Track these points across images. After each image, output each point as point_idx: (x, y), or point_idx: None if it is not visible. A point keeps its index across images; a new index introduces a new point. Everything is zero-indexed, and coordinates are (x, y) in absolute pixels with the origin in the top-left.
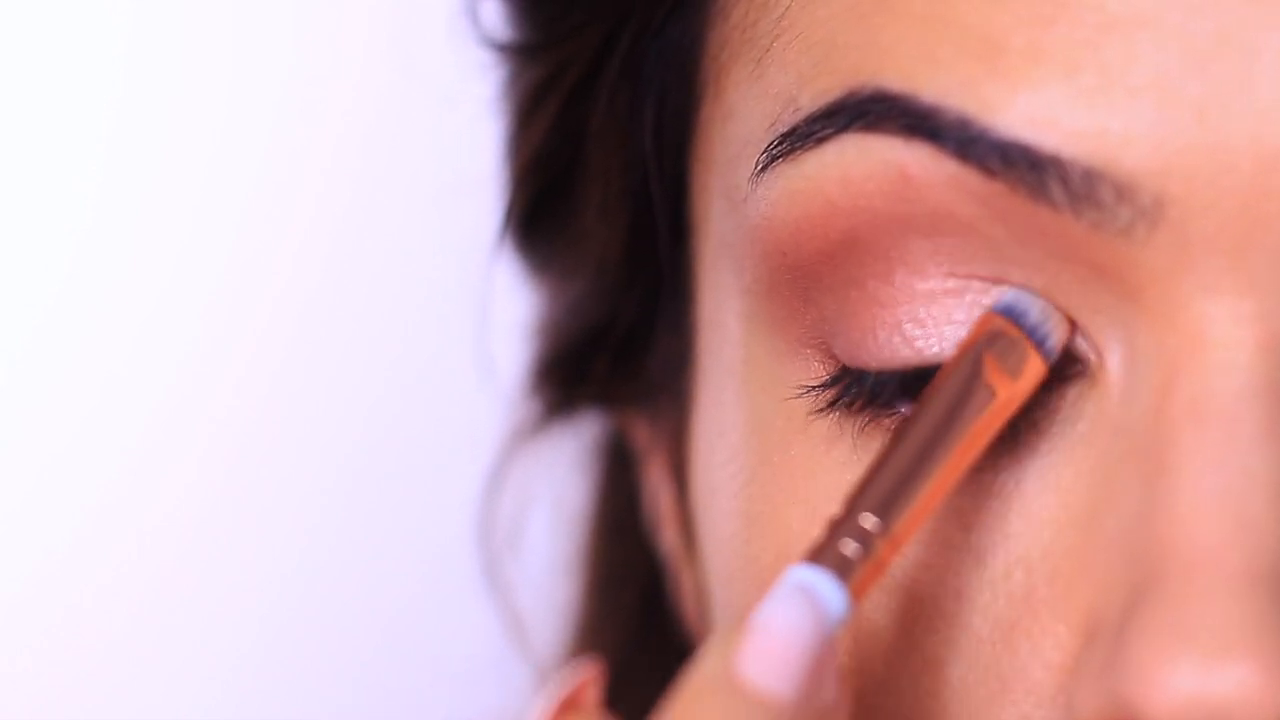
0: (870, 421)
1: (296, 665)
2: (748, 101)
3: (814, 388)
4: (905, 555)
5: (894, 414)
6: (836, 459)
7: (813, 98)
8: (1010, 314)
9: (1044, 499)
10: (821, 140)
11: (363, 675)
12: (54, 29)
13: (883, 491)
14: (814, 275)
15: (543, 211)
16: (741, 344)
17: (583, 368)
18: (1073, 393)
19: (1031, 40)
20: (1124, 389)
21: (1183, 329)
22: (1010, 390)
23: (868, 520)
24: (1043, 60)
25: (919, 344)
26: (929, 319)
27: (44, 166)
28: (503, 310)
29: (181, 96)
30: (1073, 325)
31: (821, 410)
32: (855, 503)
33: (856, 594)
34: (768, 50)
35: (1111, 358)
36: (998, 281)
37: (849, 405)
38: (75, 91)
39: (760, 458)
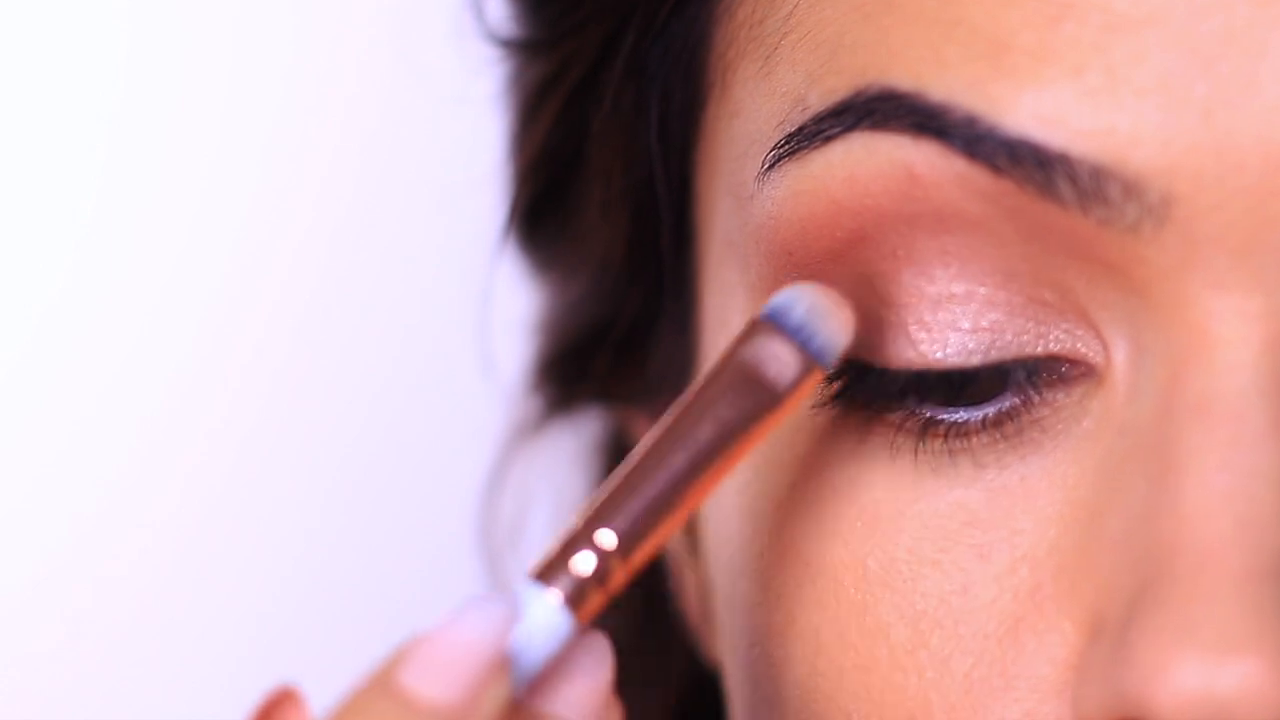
0: (874, 417)
1: (298, 662)
2: (755, 100)
3: (819, 383)
4: (911, 552)
5: (898, 410)
6: (840, 454)
7: (821, 97)
8: (774, 317)
9: (1050, 496)
10: (828, 139)
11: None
12: (54, 29)
13: (626, 509)
14: (821, 274)
15: (546, 208)
16: None
17: (585, 365)
18: (1079, 390)
19: (1038, 40)
20: (1130, 386)
21: (1189, 326)
22: (774, 404)
23: (605, 538)
24: (1050, 59)
25: (923, 348)
26: (934, 324)
27: (44, 166)
28: (505, 307)
29: (184, 95)
30: (860, 320)
31: (825, 406)
32: (594, 517)
33: (584, 616)
34: (775, 48)
35: (1118, 355)
36: (1005, 284)
37: (853, 401)
38: (76, 89)
39: (763, 455)
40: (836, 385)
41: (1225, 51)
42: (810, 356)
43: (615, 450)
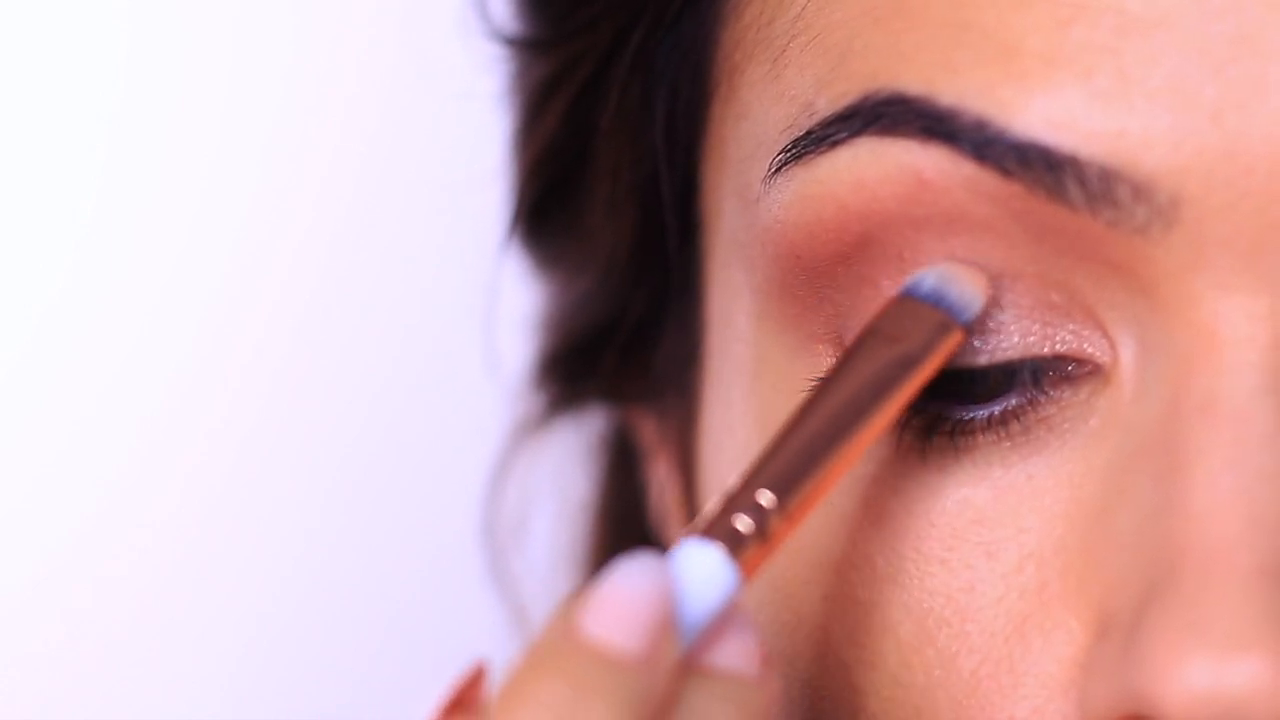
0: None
1: (301, 658)
2: (763, 102)
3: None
4: (917, 550)
5: (906, 409)
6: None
7: (829, 101)
8: (908, 290)
9: (1057, 494)
10: (835, 144)
11: (367, 668)
12: (54, 29)
13: (781, 468)
14: (828, 275)
15: (551, 207)
16: (752, 341)
17: (589, 363)
18: (1086, 389)
19: (1048, 43)
20: (1137, 386)
21: (1196, 327)
22: (920, 357)
23: (764, 496)
24: (1060, 63)
25: None
26: None
27: (44, 166)
28: (509, 304)
29: (184, 95)
30: (991, 285)
31: None
32: (751, 478)
33: (747, 570)
34: (784, 51)
35: (1125, 354)
36: (1012, 285)
37: None
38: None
39: None
40: None
41: (1236, 54)
42: (944, 312)
43: (619, 448)
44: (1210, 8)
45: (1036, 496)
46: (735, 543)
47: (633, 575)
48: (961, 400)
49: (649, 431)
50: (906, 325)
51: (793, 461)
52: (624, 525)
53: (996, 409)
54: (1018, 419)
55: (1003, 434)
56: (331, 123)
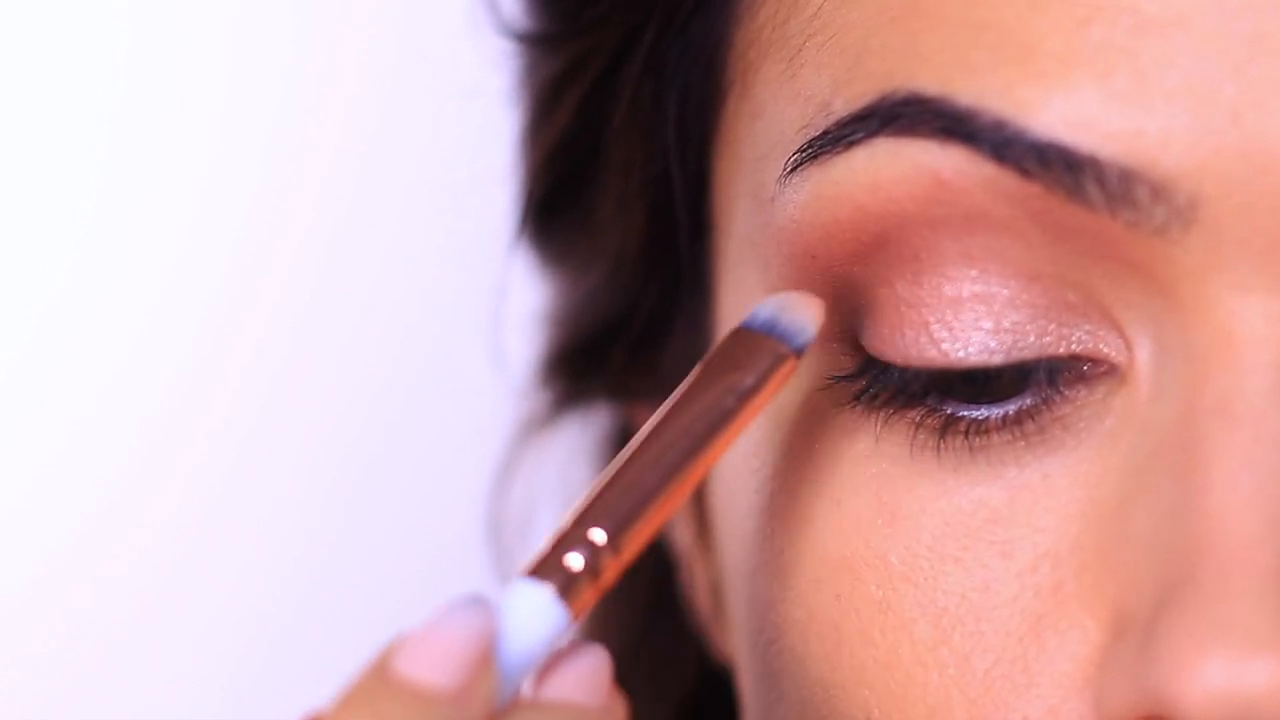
0: (894, 414)
1: (301, 658)
2: (778, 102)
3: (841, 378)
4: (932, 549)
5: (919, 407)
6: (860, 452)
7: (846, 102)
8: (749, 324)
9: (1072, 493)
10: (851, 144)
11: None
12: (54, 29)
13: (613, 504)
14: (843, 275)
15: (561, 203)
16: None
17: (596, 360)
18: (1102, 389)
19: (1066, 43)
20: (1153, 385)
21: (1213, 327)
22: (754, 387)
23: (596, 534)
24: (1078, 63)
25: (945, 346)
26: (956, 323)
27: (44, 166)
28: (516, 301)
29: (184, 91)
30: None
31: (846, 403)
32: (584, 515)
33: (579, 608)
34: (800, 50)
35: (1141, 354)
36: (1029, 286)
37: (874, 397)
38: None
39: (781, 452)
40: (859, 384)
41: (1254, 54)
42: (777, 341)
43: (624, 445)
44: (1228, 7)
45: (1052, 496)
46: (566, 580)
47: (452, 617)
48: (977, 400)
49: None
50: (739, 356)
51: (625, 498)
52: None
53: (1012, 408)
54: (1033, 419)
55: (1018, 433)
56: (338, 119)
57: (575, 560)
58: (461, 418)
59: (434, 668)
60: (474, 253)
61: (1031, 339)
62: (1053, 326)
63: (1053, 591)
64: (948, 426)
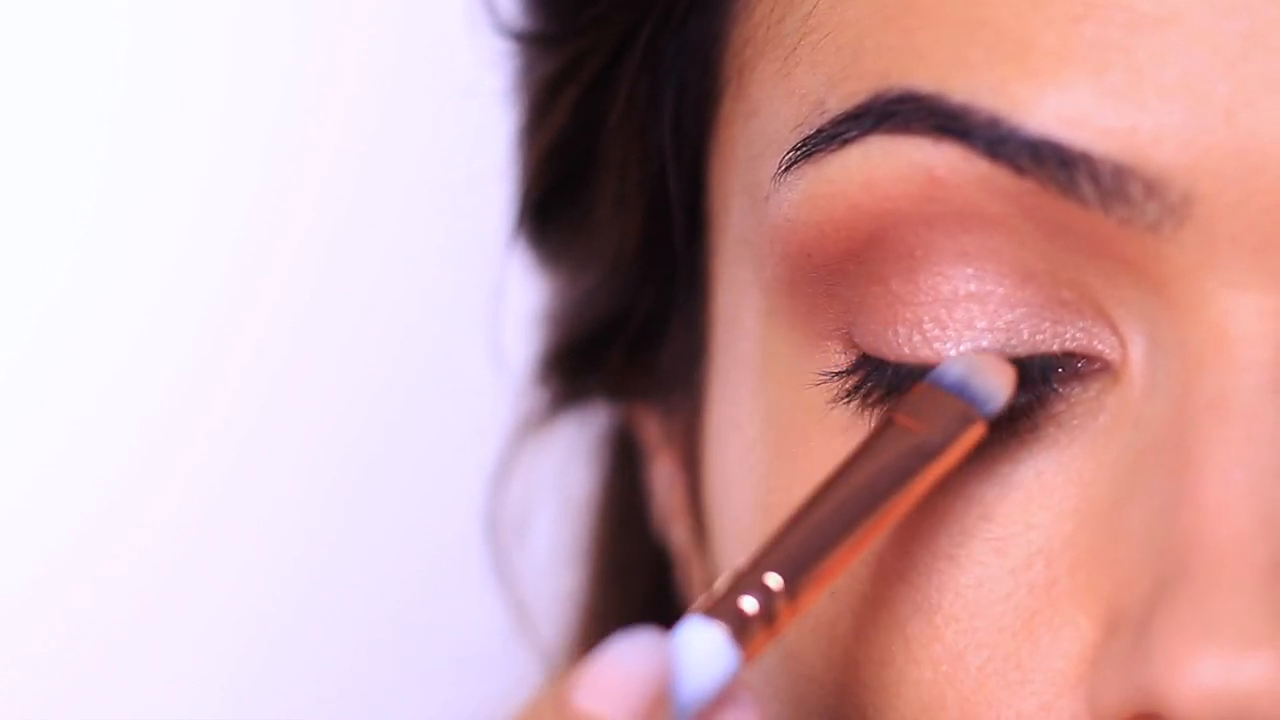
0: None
1: (301, 658)
2: (773, 100)
3: (836, 375)
4: (926, 547)
5: None
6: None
7: (841, 100)
8: (939, 381)
9: (1066, 490)
10: (846, 142)
11: (370, 664)
12: (54, 29)
13: (791, 551)
14: (838, 272)
15: (557, 203)
16: (759, 339)
17: (593, 359)
18: (1095, 386)
19: (1060, 40)
20: (1147, 383)
21: (1206, 324)
22: (941, 449)
23: (772, 580)
24: (1072, 59)
25: (937, 345)
26: (950, 321)
27: (44, 166)
28: (513, 301)
29: (184, 92)
30: (1014, 375)
31: (841, 400)
32: (761, 559)
33: (751, 652)
34: (795, 49)
35: (1135, 351)
36: (1023, 283)
37: (869, 395)
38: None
39: (777, 451)
40: (852, 381)
41: (1248, 51)
42: (967, 404)
43: (622, 445)
44: (1221, 5)
45: (1045, 493)
46: (740, 623)
47: (629, 652)
48: None
49: (653, 429)
50: (927, 414)
51: (803, 546)
52: (627, 523)
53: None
54: (1027, 416)
55: (1011, 430)
56: (335, 119)
57: (750, 604)
58: (459, 417)
59: (613, 704)
60: (472, 252)
61: (1025, 336)
62: (1047, 324)
63: (1046, 589)
64: None
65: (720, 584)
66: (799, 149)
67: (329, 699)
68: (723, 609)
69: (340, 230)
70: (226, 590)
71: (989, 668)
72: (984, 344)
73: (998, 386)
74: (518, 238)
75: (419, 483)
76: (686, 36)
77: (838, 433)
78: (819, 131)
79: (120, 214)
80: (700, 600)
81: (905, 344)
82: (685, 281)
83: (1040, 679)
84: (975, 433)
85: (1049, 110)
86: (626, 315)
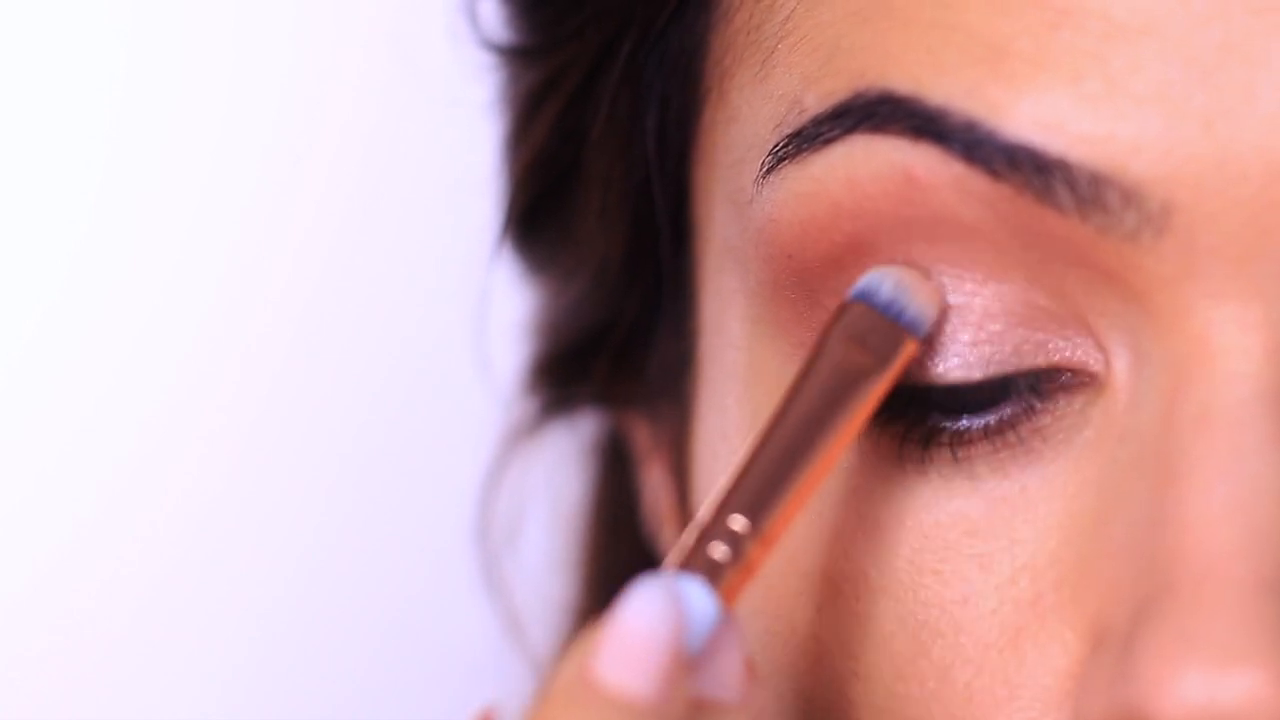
0: (875, 427)
1: (295, 662)
2: (752, 104)
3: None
4: (911, 562)
5: (900, 423)
6: (840, 466)
7: (819, 99)
8: (863, 297)
9: (1050, 505)
10: (828, 141)
11: (361, 672)
12: (54, 29)
13: (751, 491)
14: (820, 278)
15: (542, 213)
16: (745, 347)
17: (581, 368)
18: (1080, 399)
19: (1036, 46)
20: (1131, 395)
21: (1189, 336)
22: (878, 371)
23: (736, 522)
24: (1048, 65)
25: (924, 361)
26: (934, 334)
27: (44, 166)
28: (501, 310)
29: (181, 99)
30: (942, 292)
31: None
32: (723, 505)
33: (728, 597)
34: (772, 53)
35: (1118, 363)
36: (1003, 294)
37: None
38: (75, 91)
39: None
40: None
41: (1224, 61)
42: (903, 328)
43: (612, 452)
44: (1197, 15)
45: (1030, 508)
46: (714, 572)
47: (644, 612)
48: (958, 411)
49: (642, 436)
50: (864, 333)
51: (762, 483)
52: (617, 530)
53: (993, 418)
54: (1013, 428)
55: (999, 444)
56: (321, 130)
57: (720, 550)
58: (448, 426)
59: (638, 674)
60: (459, 262)
61: (1009, 348)
62: (1030, 335)
63: (1032, 604)
64: (930, 438)
65: (687, 536)
66: (780, 149)
67: (323, 703)
68: (695, 560)
69: (327, 241)
70: (217, 600)
71: (976, 684)
72: (970, 359)
73: (928, 305)
74: (504, 247)
75: (410, 492)
76: (667, 47)
77: None
78: (799, 131)
79: (115, 222)
80: (671, 556)
81: None
82: (671, 290)
83: (1028, 695)
84: (909, 353)
85: (1025, 115)
86: (613, 323)
